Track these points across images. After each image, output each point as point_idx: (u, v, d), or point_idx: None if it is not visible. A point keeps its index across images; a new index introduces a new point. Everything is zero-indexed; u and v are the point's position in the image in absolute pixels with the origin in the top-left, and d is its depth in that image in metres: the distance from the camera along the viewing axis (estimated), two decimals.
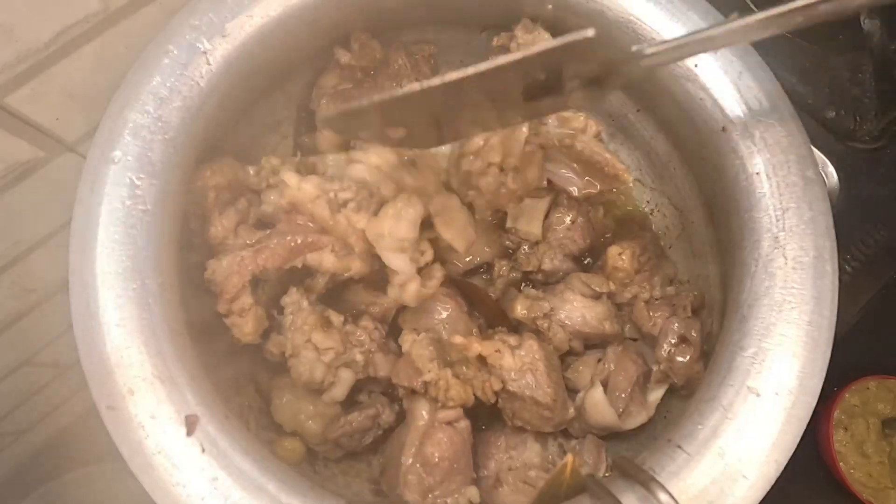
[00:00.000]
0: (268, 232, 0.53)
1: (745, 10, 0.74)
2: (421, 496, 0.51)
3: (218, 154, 0.55)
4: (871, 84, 0.68)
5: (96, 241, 0.45)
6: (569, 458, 0.46)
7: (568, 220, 0.61)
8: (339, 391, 0.56)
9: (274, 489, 0.42)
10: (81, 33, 0.48)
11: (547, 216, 0.61)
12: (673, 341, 0.54)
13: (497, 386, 0.52)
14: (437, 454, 0.52)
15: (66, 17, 0.46)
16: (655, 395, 0.56)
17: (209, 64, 0.49)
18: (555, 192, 0.61)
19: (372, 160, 0.52)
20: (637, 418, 0.55)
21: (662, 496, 0.38)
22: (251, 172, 0.57)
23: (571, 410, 0.55)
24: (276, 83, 0.61)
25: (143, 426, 0.42)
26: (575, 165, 0.58)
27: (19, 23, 0.44)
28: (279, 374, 0.59)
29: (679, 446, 0.43)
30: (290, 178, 0.52)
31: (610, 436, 0.57)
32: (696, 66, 0.51)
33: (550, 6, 0.56)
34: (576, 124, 0.59)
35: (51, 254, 0.61)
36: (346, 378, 0.56)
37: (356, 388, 0.58)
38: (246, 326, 0.53)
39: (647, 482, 0.39)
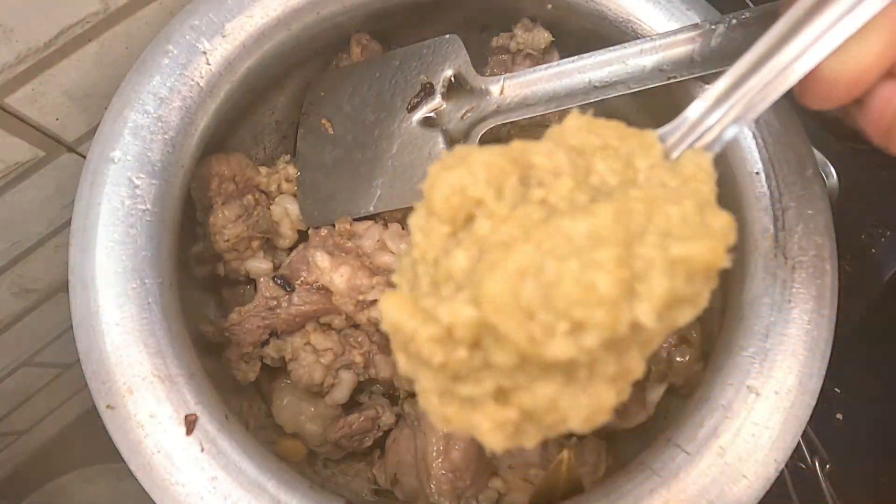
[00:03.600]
0: (287, 296, 0.55)
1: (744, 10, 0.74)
2: (456, 500, 0.52)
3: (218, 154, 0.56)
4: None
5: (96, 241, 0.45)
6: (564, 454, 0.46)
7: None
8: (341, 393, 0.56)
9: (273, 488, 0.42)
10: (81, 33, 0.48)
11: None
12: (672, 341, 0.54)
13: None
14: (464, 459, 0.52)
15: (66, 17, 0.46)
16: (654, 394, 0.56)
17: (209, 64, 0.49)
18: None
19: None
20: (636, 417, 0.55)
21: None
22: (262, 173, 0.57)
23: None
24: (277, 83, 0.61)
25: (142, 425, 0.42)
26: None
27: (19, 23, 0.44)
28: (279, 375, 0.59)
29: (678, 446, 0.43)
30: (322, 259, 0.53)
31: (609, 435, 0.57)
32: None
33: (550, 6, 0.56)
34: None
35: (51, 254, 0.61)
36: (347, 380, 0.56)
37: (357, 389, 0.58)
38: (250, 373, 0.56)
39: None
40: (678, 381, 0.54)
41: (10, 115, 0.48)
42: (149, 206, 0.46)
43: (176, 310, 0.46)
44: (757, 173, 0.48)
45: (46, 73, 0.48)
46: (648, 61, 0.49)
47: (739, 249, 0.48)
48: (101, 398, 0.43)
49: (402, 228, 0.54)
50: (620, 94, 0.50)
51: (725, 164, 0.50)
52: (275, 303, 0.54)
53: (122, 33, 0.51)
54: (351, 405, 0.58)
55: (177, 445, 0.42)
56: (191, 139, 0.49)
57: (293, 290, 0.54)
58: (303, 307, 0.54)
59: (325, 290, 0.54)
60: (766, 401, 0.43)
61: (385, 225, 0.55)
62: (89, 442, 0.82)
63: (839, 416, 0.60)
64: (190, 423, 0.42)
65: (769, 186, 0.48)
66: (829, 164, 0.64)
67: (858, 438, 0.68)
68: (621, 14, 0.53)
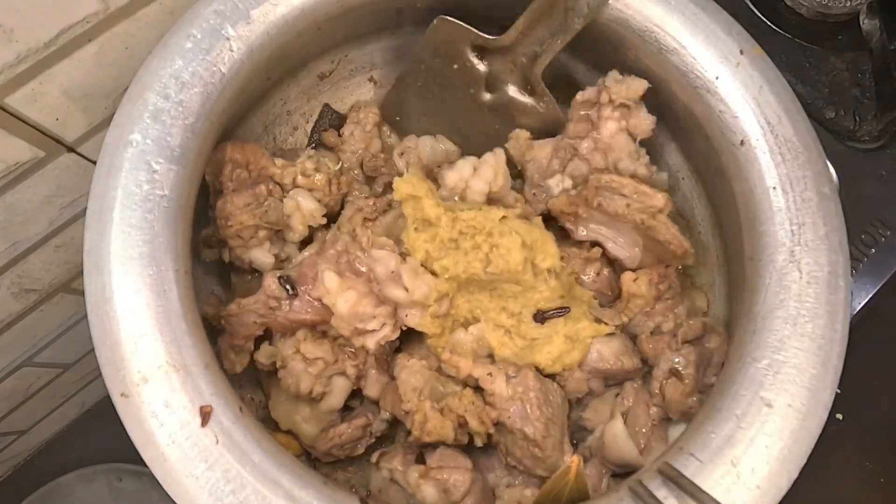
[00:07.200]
0: (289, 300, 0.53)
1: (745, 13, 0.74)
2: None
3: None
4: (871, 84, 0.69)
5: (112, 225, 0.44)
6: (575, 458, 0.46)
7: (592, 272, 0.58)
8: (335, 400, 0.55)
9: (288, 483, 0.42)
10: (81, 33, 0.47)
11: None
12: (664, 374, 0.53)
13: (493, 414, 0.51)
14: None
15: (66, 17, 0.45)
16: (679, 430, 0.54)
17: (232, 50, 0.49)
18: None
19: (416, 296, 0.51)
20: (655, 453, 0.52)
21: None
22: (278, 164, 0.56)
23: (567, 457, 0.52)
24: (292, 73, 0.61)
25: (156, 415, 0.41)
26: (640, 239, 0.57)
27: (19, 23, 0.43)
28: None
29: (692, 454, 0.44)
30: (330, 280, 0.51)
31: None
32: (717, 78, 0.51)
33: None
34: (655, 202, 0.55)
35: (51, 254, 0.60)
36: (341, 386, 0.55)
37: (352, 394, 0.57)
38: (237, 364, 0.55)
39: (706, 501, 0.39)
40: (673, 416, 0.53)
41: (10, 115, 0.47)
42: (167, 192, 0.45)
43: (191, 299, 0.45)
44: (774, 188, 0.49)
45: (46, 73, 0.47)
46: None
47: (754, 262, 0.49)
48: (114, 386, 0.42)
49: (422, 265, 0.53)
50: None
51: (743, 178, 0.50)
52: (276, 304, 0.53)
53: (122, 33, 0.50)
54: (346, 408, 0.57)
55: (191, 437, 0.41)
56: (210, 126, 0.48)
57: (296, 295, 0.53)
58: (302, 315, 0.53)
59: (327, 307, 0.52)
60: (780, 413, 0.43)
61: (404, 258, 0.52)
62: (89, 442, 0.83)
63: (839, 416, 0.61)
64: (205, 415, 0.42)
65: (786, 202, 0.48)
66: (829, 164, 0.64)
67: (858, 438, 0.70)
68: (643, 23, 0.53)
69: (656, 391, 0.53)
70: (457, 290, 0.54)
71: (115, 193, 0.44)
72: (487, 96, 0.60)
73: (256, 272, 0.58)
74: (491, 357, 0.54)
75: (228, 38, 0.48)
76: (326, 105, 0.65)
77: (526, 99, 0.59)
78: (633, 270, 0.57)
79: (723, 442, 0.43)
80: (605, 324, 0.55)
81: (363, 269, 0.52)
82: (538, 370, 0.53)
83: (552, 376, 0.54)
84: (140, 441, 0.41)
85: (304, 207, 0.57)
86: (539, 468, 0.51)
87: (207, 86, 0.48)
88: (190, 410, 0.41)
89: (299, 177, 0.57)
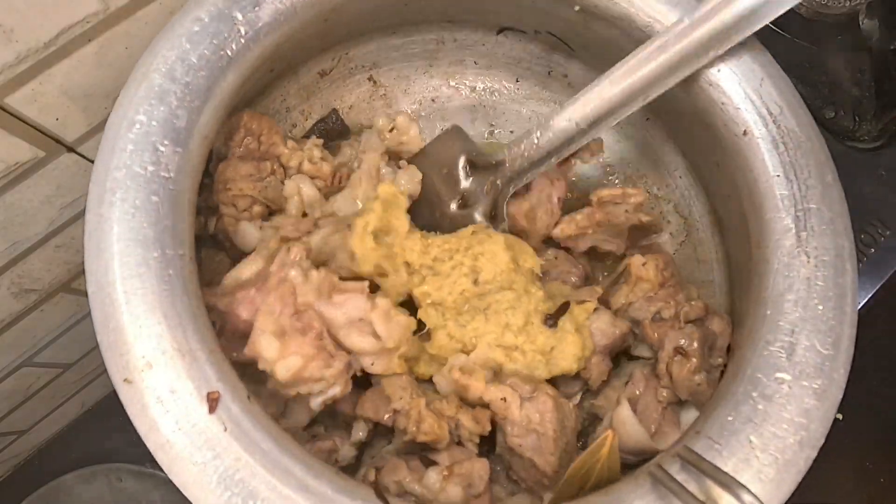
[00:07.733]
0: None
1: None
2: None
3: None
4: (870, 84, 0.69)
5: (115, 206, 0.42)
6: (609, 434, 0.44)
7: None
8: (297, 417, 0.51)
9: (300, 473, 0.40)
10: (81, 33, 0.47)
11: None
12: (670, 354, 0.53)
13: (489, 415, 0.49)
14: None
15: (66, 17, 0.45)
16: (690, 415, 0.54)
17: (240, 35, 0.48)
18: None
19: (390, 343, 0.47)
20: (670, 438, 0.51)
21: (746, 497, 0.37)
22: (288, 145, 0.56)
23: None
24: (293, 69, 0.61)
25: (161, 401, 0.39)
26: (624, 230, 0.60)
27: (19, 23, 0.43)
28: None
29: (710, 437, 0.43)
30: (268, 347, 0.44)
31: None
32: (718, 71, 0.52)
33: (577, 8, 0.56)
34: (637, 199, 0.59)
35: (51, 254, 0.59)
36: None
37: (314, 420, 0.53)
38: None
39: (728, 483, 0.38)
40: (682, 396, 0.53)
41: (10, 115, 0.46)
42: (172, 175, 0.44)
43: (195, 284, 0.44)
44: (778, 176, 0.49)
45: (46, 73, 0.47)
46: (618, 90, 0.53)
47: (762, 249, 0.49)
48: (117, 372, 0.40)
49: (395, 306, 0.49)
50: (606, 127, 0.54)
51: (747, 168, 0.51)
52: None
53: (122, 33, 0.50)
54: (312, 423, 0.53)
55: (198, 424, 0.39)
56: (216, 110, 0.48)
57: (220, 335, 0.45)
58: (227, 354, 0.45)
59: None
60: (796, 393, 0.44)
61: (373, 300, 0.47)
62: (89, 442, 0.81)
63: (839, 416, 0.61)
64: (213, 401, 0.40)
65: (790, 189, 0.49)
66: None
67: (858, 438, 0.69)
68: (646, 18, 0.53)
69: (663, 372, 0.53)
70: (444, 322, 0.51)
71: (119, 174, 0.43)
72: (455, 210, 0.59)
73: (228, 251, 0.56)
74: (499, 373, 0.51)
75: (236, 23, 0.48)
76: (334, 110, 0.65)
77: (484, 224, 0.59)
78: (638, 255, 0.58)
79: (740, 425, 0.43)
80: (588, 301, 0.55)
81: (315, 325, 0.44)
82: (564, 377, 0.52)
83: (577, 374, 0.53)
84: (144, 428, 0.39)
85: (304, 193, 0.55)
86: (543, 490, 0.50)
87: (214, 69, 0.47)
88: (196, 397, 0.40)
89: (306, 163, 0.56)
